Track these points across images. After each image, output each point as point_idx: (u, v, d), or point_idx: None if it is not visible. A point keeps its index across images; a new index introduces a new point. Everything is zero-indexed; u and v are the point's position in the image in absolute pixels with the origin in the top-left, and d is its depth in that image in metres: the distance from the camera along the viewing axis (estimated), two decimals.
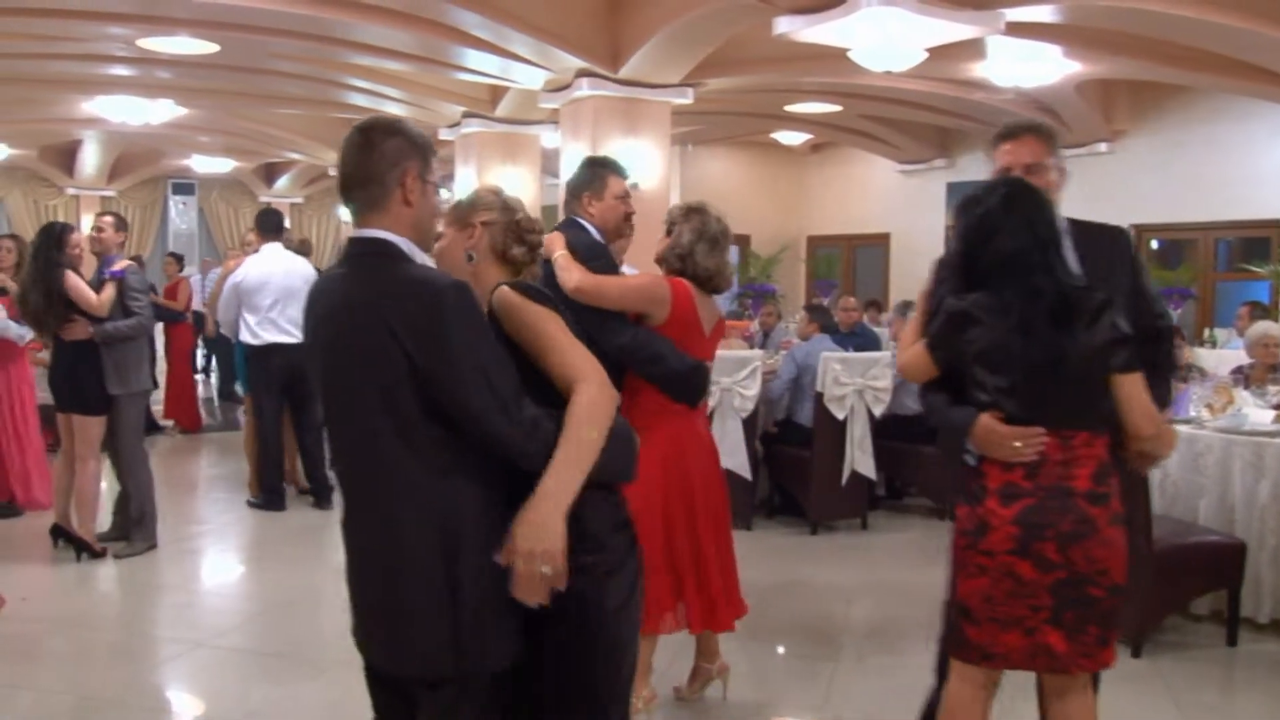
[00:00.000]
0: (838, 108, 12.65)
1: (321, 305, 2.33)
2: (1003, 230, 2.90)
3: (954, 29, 6.74)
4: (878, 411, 7.22)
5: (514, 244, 2.64)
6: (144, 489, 6.47)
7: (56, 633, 5.27)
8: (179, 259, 13.43)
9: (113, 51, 9.94)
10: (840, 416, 7.08)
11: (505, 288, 2.41)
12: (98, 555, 6.31)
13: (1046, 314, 2.83)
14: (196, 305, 12.61)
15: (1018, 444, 2.85)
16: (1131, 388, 2.91)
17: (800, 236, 17.61)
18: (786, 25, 6.96)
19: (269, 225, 7.96)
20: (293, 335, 7.49)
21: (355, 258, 2.30)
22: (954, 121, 13.38)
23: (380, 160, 2.28)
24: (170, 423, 11.15)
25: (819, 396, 7.08)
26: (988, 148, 3.22)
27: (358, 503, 2.33)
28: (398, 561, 2.22)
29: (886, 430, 7.43)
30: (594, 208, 4.02)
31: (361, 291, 2.22)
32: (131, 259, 6.96)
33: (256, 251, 7.94)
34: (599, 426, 2.25)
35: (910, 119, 13.58)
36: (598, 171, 4.06)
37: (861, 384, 7.11)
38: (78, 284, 6.18)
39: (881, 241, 16.35)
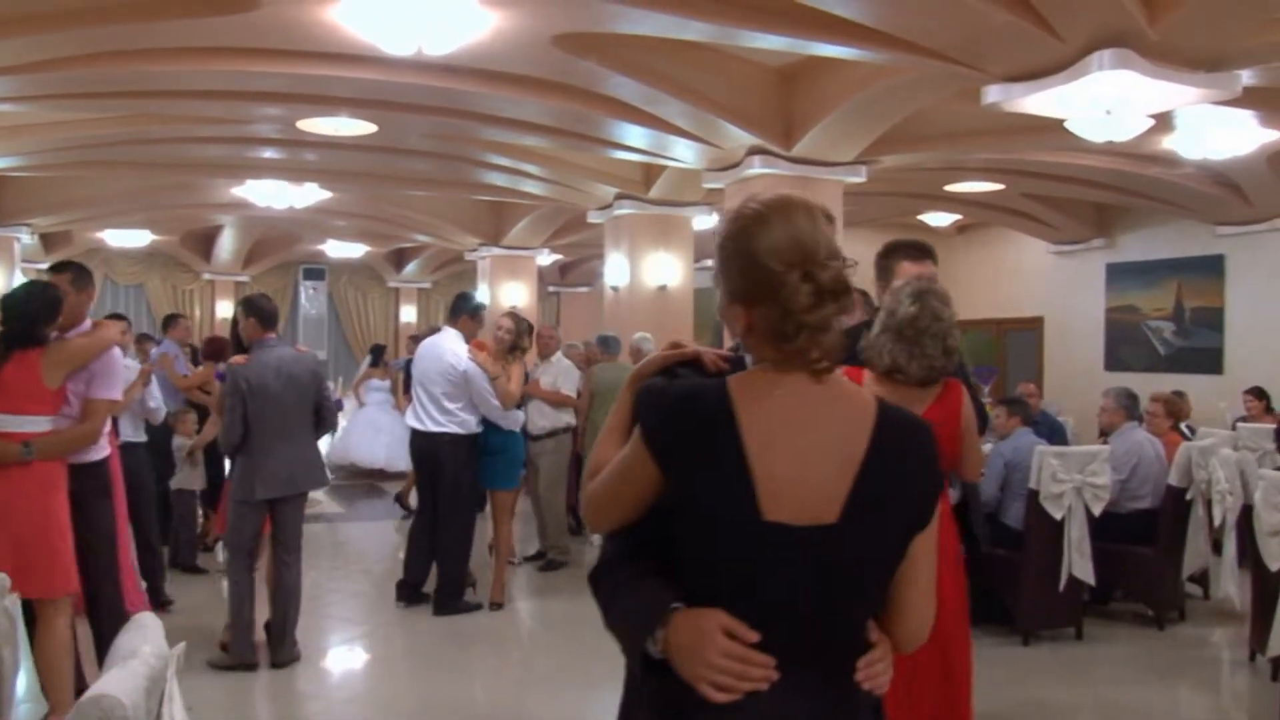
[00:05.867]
0: (1000, 186, 12.06)
1: None
2: None
3: (1188, 93, 6.11)
4: (1097, 510, 6.56)
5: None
6: (231, 598, 5.91)
7: None
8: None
9: (268, 134, 9.85)
10: (1058, 516, 6.44)
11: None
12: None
13: None
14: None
15: None
16: None
17: None
18: (998, 94, 6.37)
19: (452, 307, 7.66)
20: (423, 424, 7.14)
21: None
22: (1116, 198, 12.65)
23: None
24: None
25: (1033, 495, 6.46)
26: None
27: None
28: None
29: (1097, 530, 6.72)
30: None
31: None
32: None
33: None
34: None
35: (1072, 196, 12.91)
36: (887, 262, 3.90)
37: (1080, 481, 6.47)
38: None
39: (1034, 325, 15.61)
